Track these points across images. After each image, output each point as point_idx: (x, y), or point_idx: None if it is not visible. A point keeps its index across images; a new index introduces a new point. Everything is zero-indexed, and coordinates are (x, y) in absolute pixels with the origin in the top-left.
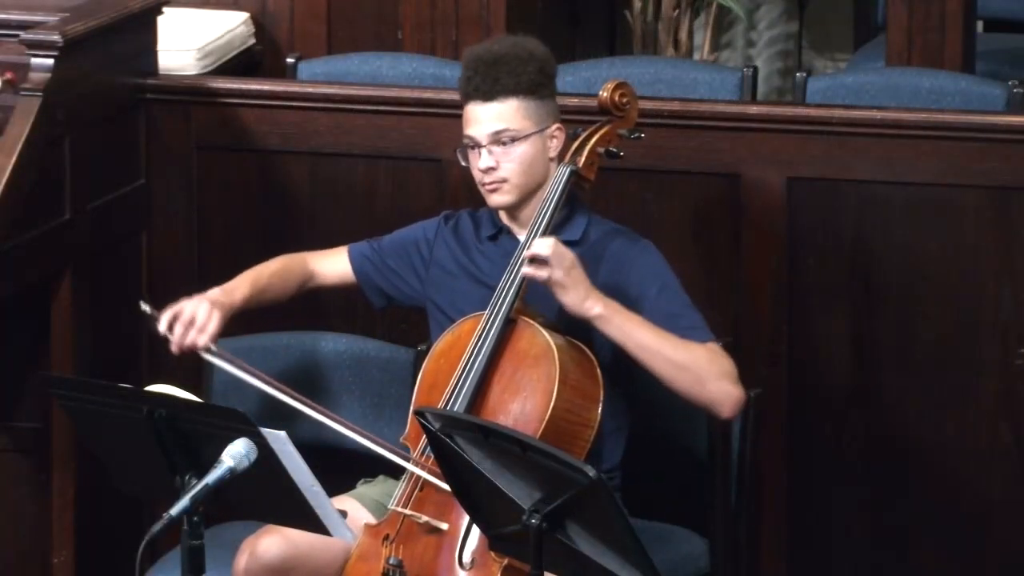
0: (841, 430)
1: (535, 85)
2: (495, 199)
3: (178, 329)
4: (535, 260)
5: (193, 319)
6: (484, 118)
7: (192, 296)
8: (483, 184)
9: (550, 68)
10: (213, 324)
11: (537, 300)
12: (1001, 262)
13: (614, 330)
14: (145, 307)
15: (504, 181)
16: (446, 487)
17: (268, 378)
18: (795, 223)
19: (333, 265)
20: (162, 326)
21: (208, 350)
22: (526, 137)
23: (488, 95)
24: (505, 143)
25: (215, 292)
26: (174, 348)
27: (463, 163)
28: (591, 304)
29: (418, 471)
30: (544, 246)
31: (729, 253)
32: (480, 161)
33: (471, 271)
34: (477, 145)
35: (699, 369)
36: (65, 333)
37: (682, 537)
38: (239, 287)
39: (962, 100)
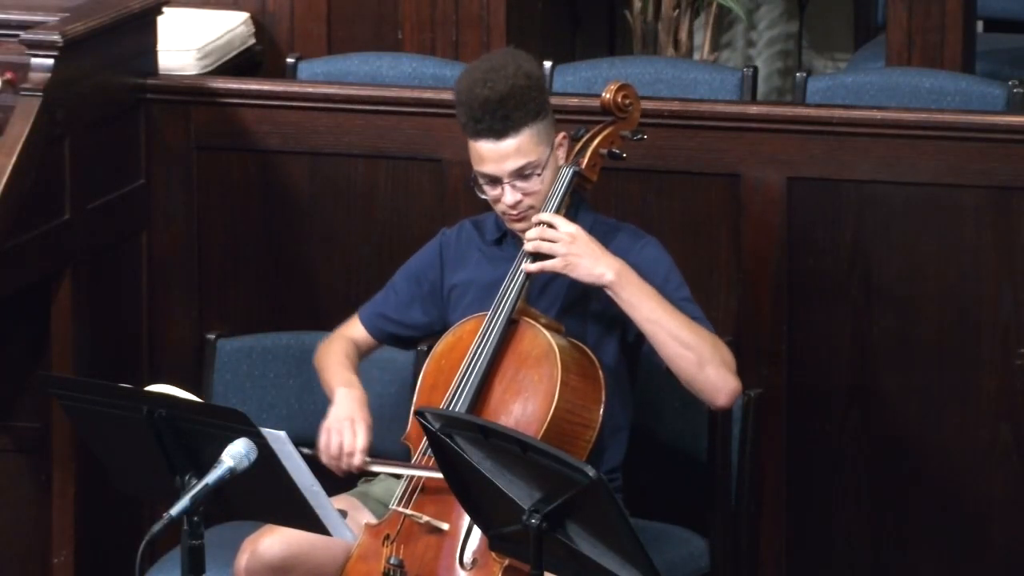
0: (841, 430)
1: (539, 106)
2: (522, 226)
3: (332, 464)
4: (535, 256)
5: (341, 446)
6: (502, 156)
7: (328, 413)
8: (507, 215)
9: (543, 80)
10: (361, 440)
11: (539, 301)
12: (1001, 262)
13: (624, 298)
14: (305, 451)
15: (531, 208)
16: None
17: (425, 467)
18: (795, 223)
19: (359, 334)
20: (324, 460)
21: (365, 464)
22: (546, 163)
23: (501, 133)
24: (528, 175)
25: (343, 395)
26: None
27: (481, 196)
28: (601, 271)
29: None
30: (533, 233)
31: (729, 253)
32: (506, 197)
33: (478, 279)
34: (497, 182)
35: (702, 351)
36: (65, 333)
37: (682, 537)
38: (349, 376)
39: (962, 100)
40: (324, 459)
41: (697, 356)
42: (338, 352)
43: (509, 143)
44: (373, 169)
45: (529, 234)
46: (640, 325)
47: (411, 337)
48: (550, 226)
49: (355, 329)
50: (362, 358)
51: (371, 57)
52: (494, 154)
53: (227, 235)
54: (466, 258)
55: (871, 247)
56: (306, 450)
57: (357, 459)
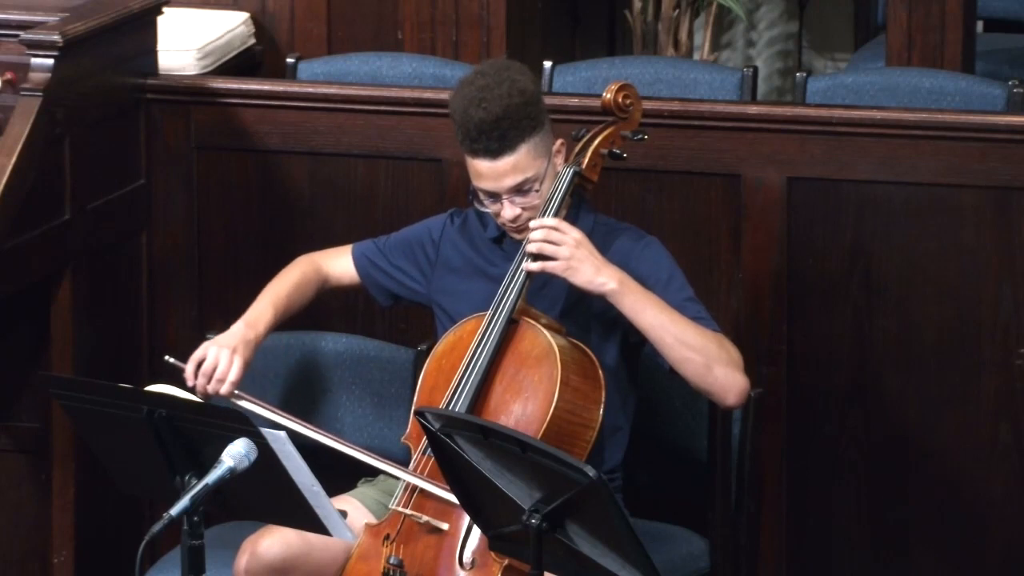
0: (841, 430)
1: (535, 121)
2: (522, 237)
3: (200, 380)
4: (537, 256)
5: (215, 368)
6: (499, 174)
7: (216, 336)
8: (506, 227)
9: (538, 91)
10: (234, 372)
11: (539, 301)
12: (1001, 262)
13: (627, 306)
14: (169, 359)
15: (530, 220)
16: (447, 496)
17: (295, 418)
18: (795, 223)
19: (341, 266)
20: (188, 375)
21: (231, 396)
22: (544, 176)
23: (498, 152)
24: (526, 190)
25: (239, 329)
26: (199, 395)
27: (482, 208)
28: (603, 280)
29: (424, 484)
30: (538, 235)
31: (729, 253)
32: (505, 212)
33: (478, 271)
34: (496, 197)
35: (708, 353)
36: (65, 333)
37: (682, 537)
38: (262, 315)
39: (962, 100)
40: (190, 369)
41: (704, 358)
42: (289, 282)
43: (506, 161)
44: (373, 169)
45: (533, 235)
46: (644, 332)
47: (390, 290)
48: (555, 229)
49: (340, 261)
50: (330, 289)
51: (371, 57)
52: (492, 172)
53: (227, 235)
54: (466, 244)
55: (871, 247)
56: (172, 359)
57: (225, 388)
